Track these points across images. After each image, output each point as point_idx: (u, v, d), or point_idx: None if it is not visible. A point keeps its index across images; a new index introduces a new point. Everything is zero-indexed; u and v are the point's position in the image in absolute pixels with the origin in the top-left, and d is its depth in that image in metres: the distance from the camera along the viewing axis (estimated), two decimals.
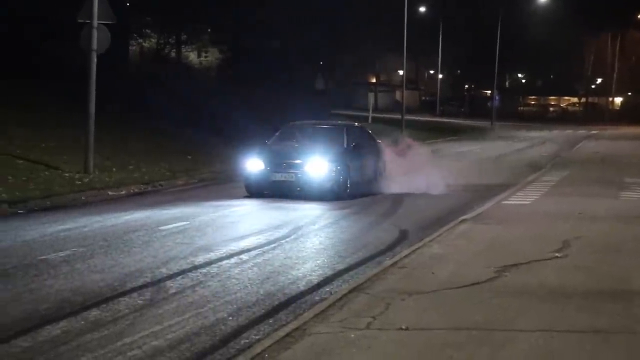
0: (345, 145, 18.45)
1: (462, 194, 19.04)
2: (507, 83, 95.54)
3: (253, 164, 17.49)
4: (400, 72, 58.36)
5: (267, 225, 13.87)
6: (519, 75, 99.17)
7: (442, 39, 73.64)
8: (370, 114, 48.60)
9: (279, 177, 17.27)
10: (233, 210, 15.66)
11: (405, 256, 10.88)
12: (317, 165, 17.28)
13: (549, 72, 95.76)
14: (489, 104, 72.60)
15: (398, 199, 17.68)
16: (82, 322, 7.54)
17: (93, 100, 19.10)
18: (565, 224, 13.91)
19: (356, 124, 22.98)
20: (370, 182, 18.89)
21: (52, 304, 8.08)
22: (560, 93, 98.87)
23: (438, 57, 75.45)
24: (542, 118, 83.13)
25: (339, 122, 20.42)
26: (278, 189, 17.32)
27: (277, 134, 19.07)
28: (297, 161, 17.40)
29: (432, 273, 9.76)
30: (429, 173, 19.85)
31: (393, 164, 20.10)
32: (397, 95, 69.71)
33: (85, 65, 19.20)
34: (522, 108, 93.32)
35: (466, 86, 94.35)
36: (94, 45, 19.08)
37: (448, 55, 78.81)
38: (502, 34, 64.14)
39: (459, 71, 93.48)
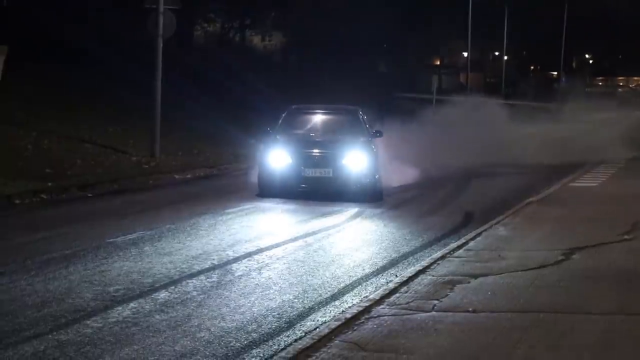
0: (368, 134, 15.93)
1: (526, 176, 18.82)
2: (573, 64, 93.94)
3: (277, 158, 14.89)
4: (465, 54, 57.76)
5: (330, 209, 13.85)
6: (586, 55, 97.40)
7: (507, 20, 72.69)
8: (434, 96, 48.28)
9: (311, 173, 14.79)
10: None
11: (471, 239, 10.80)
12: (357, 158, 14.92)
13: (617, 52, 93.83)
14: (555, 85, 71.56)
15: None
16: (151, 304, 7.64)
17: (159, 85, 19.32)
18: (633, 206, 13.66)
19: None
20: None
21: (121, 286, 8.21)
22: (629, 73, 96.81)
23: (503, 39, 74.54)
24: (610, 99, 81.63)
25: (346, 105, 17.32)
26: (311, 187, 14.86)
27: (281, 120, 16.29)
28: (335, 154, 14.92)
29: (499, 256, 9.67)
30: None
31: None
32: (462, 77, 69.10)
33: (151, 50, 19.40)
34: (589, 89, 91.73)
35: (532, 67, 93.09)
36: (160, 31, 19.27)
37: (514, 37, 77.79)
38: (570, 14, 62.99)
39: (524, 52, 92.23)
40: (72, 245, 10.15)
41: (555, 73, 75.01)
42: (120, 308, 7.45)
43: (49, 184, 14.60)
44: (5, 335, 6.54)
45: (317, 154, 14.98)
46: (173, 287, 8.28)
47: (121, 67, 23.55)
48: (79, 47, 24.17)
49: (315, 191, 14.76)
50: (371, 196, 14.74)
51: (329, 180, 14.77)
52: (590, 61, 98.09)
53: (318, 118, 16.59)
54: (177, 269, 9.07)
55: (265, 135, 15.62)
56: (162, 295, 7.98)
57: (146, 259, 9.53)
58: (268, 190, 14.81)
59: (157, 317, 7.24)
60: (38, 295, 7.75)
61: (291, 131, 15.84)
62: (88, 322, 7.00)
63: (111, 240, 10.54)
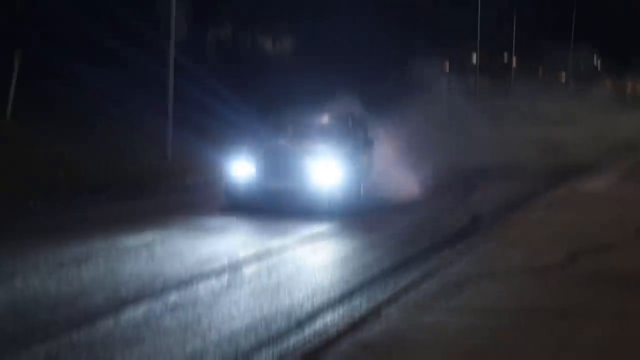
0: (353, 140, 14.45)
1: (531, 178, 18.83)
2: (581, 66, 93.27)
3: (240, 169, 13.61)
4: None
5: (340, 211, 13.53)
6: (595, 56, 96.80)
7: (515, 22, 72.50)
8: (445, 99, 48.18)
9: (275, 185, 13.36)
10: None
11: (479, 239, 10.81)
12: (329, 168, 13.38)
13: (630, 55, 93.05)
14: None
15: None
16: (162, 305, 7.67)
17: (171, 88, 19.40)
18: None
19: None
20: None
21: (132, 288, 8.24)
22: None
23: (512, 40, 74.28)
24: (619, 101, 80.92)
25: (340, 106, 15.89)
26: (273, 200, 13.38)
27: (265, 125, 15.34)
28: (299, 162, 13.43)
29: (506, 257, 9.67)
30: None
31: None
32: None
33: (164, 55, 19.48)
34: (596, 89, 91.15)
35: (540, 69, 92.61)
36: (172, 35, 19.34)
37: (523, 39, 77.39)
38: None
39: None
40: (85, 247, 10.19)
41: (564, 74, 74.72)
42: (131, 309, 7.49)
43: (62, 186, 14.66)
44: (18, 336, 6.59)
45: (282, 163, 13.46)
46: (184, 289, 8.32)
47: (134, 70, 23.64)
48: (92, 49, 24.27)
49: (280, 205, 13.25)
50: (346, 210, 13.26)
51: (294, 192, 13.25)
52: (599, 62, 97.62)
53: (300, 123, 15.02)
54: (188, 270, 9.11)
55: (249, 142, 14.39)
56: (173, 297, 8.01)
57: (157, 261, 9.57)
58: (232, 200, 13.63)
59: (168, 318, 7.28)
60: (51, 297, 7.80)
61: (266, 138, 14.50)
62: (100, 323, 7.05)
63: (123, 242, 10.58)
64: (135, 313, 7.38)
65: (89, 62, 24.24)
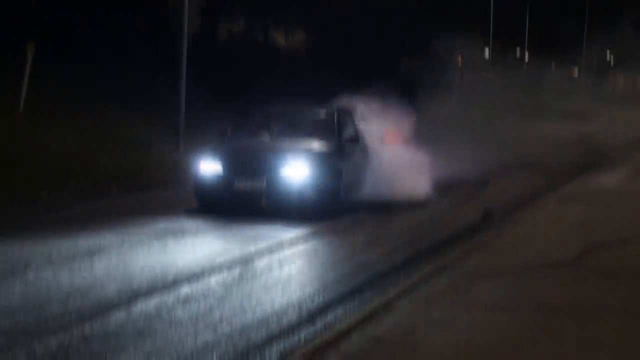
0: (337, 138, 13.52)
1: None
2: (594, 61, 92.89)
3: (207, 167, 12.59)
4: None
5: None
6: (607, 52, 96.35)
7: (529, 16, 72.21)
8: (456, 94, 48.13)
9: (242, 185, 12.37)
10: None
11: (491, 235, 10.79)
12: (298, 167, 12.39)
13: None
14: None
15: None
16: (174, 298, 7.69)
17: (184, 81, 19.43)
18: None
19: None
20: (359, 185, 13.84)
21: (144, 280, 8.26)
22: None
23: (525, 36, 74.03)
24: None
25: (327, 104, 14.71)
26: (241, 202, 12.48)
27: (241, 121, 14.69)
28: (270, 162, 12.44)
29: (517, 252, 9.65)
30: None
31: None
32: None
33: (175, 48, 19.51)
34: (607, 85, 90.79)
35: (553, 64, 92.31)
36: (185, 28, 19.36)
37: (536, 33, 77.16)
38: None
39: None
40: (97, 239, 10.23)
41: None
42: (143, 301, 7.50)
43: (74, 179, 14.71)
44: (31, 328, 6.61)
45: (250, 161, 12.55)
46: (195, 281, 8.33)
47: (146, 63, 23.68)
48: (105, 41, 24.32)
49: (248, 206, 12.43)
50: (318, 214, 12.24)
51: (262, 193, 12.32)
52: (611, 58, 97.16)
53: (280, 120, 14.14)
54: (199, 263, 9.12)
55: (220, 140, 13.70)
56: (185, 289, 8.02)
57: (169, 254, 9.59)
58: (200, 200, 12.68)
59: (180, 310, 7.29)
60: (63, 289, 7.83)
61: (241, 135, 13.77)
62: (112, 315, 7.07)
63: (134, 235, 10.61)
64: (147, 305, 7.39)
65: (102, 55, 24.31)
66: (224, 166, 12.42)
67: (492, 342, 6.31)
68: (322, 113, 14.26)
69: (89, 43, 24.25)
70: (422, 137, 16.62)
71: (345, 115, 14.24)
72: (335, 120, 13.80)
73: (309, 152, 12.63)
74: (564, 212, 12.97)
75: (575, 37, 67.64)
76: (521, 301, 7.53)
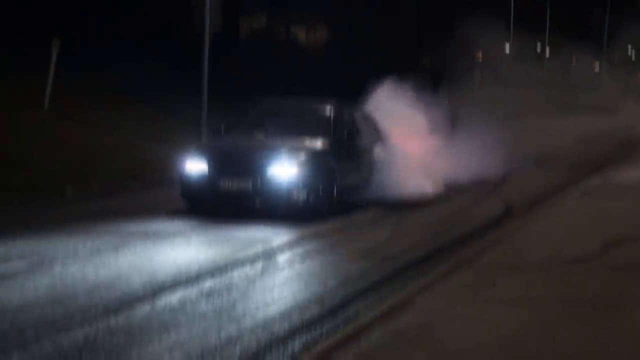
0: (333, 134, 12.77)
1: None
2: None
3: (192, 166, 11.95)
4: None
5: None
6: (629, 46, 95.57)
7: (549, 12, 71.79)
8: (475, 90, 48.02)
9: (228, 185, 11.70)
10: None
11: (512, 230, 10.77)
12: (285, 166, 11.68)
13: None
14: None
15: None
16: (198, 291, 7.73)
17: (206, 77, 19.44)
18: None
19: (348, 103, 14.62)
20: (367, 184, 13.46)
21: (168, 274, 8.31)
22: None
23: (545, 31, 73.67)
24: None
25: (328, 100, 13.71)
26: (227, 203, 11.90)
27: (241, 116, 14.12)
28: (257, 161, 11.77)
29: (540, 246, 9.63)
30: None
31: None
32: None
33: (198, 45, 19.54)
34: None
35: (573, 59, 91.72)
36: (207, 26, 19.39)
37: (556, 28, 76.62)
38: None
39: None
40: (121, 234, 10.31)
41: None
42: (167, 295, 7.55)
43: (98, 174, 14.82)
44: (58, 320, 6.68)
45: (236, 160, 11.96)
46: (219, 275, 8.38)
47: (171, 58, 23.79)
48: (128, 38, 24.43)
49: (235, 207, 11.83)
50: (306, 216, 11.56)
51: (248, 194, 11.62)
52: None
53: (276, 116, 13.53)
54: (223, 257, 9.17)
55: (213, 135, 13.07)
56: (208, 283, 8.07)
57: (192, 248, 9.65)
58: (187, 200, 12.13)
59: (203, 304, 7.34)
60: (89, 282, 7.89)
61: (235, 132, 13.14)
62: (137, 308, 7.12)
63: (159, 229, 10.68)
64: (171, 299, 7.44)
65: (125, 52, 24.42)
66: (209, 165, 11.80)
67: (514, 335, 6.31)
68: (317, 109, 13.53)
69: (112, 40, 24.38)
70: (454, 129, 16.57)
71: (343, 111, 13.52)
72: (331, 117, 13.08)
73: (297, 150, 11.93)
74: (587, 206, 12.92)
75: (596, 32, 67.18)
76: (544, 295, 7.52)
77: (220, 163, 11.86)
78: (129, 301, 7.27)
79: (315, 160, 11.95)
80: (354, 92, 16.37)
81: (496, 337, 6.28)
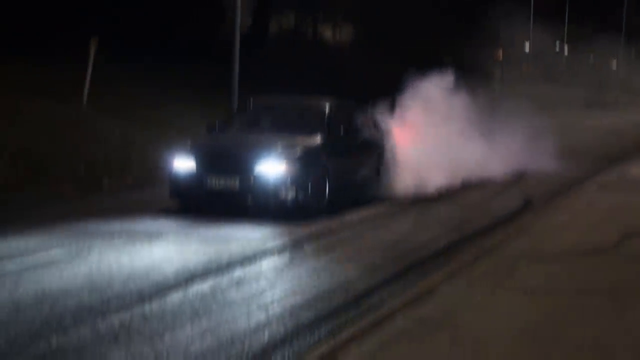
0: (327, 132, 12.12)
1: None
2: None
3: (181, 164, 11.37)
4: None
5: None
6: None
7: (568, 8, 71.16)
8: (498, 86, 47.79)
9: (215, 183, 11.11)
10: None
11: (531, 222, 10.69)
12: (274, 165, 11.05)
13: None
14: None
15: None
16: (228, 280, 7.74)
17: (236, 77, 19.47)
18: None
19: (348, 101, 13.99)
20: (368, 182, 13.10)
21: (200, 263, 8.34)
22: None
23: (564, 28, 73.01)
24: None
25: (325, 98, 13.19)
26: (215, 201, 11.29)
27: (238, 115, 13.77)
28: (244, 159, 11.15)
29: (559, 238, 9.55)
30: None
31: None
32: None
33: (229, 44, 19.57)
34: None
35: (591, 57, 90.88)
36: (237, 26, 19.42)
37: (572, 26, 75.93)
38: None
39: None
40: (155, 225, 10.35)
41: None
42: (199, 283, 7.57)
43: (134, 167, 14.90)
44: (95, 307, 6.72)
45: (224, 158, 11.35)
46: (248, 264, 8.39)
47: (200, 58, 23.85)
48: (163, 38, 24.53)
49: (223, 206, 11.21)
50: (294, 217, 10.91)
51: (235, 192, 11.01)
52: None
53: (272, 113, 12.91)
54: (252, 246, 9.18)
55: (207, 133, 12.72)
56: (237, 272, 8.08)
57: (222, 238, 9.66)
58: (176, 198, 11.60)
59: (233, 292, 7.35)
60: (124, 271, 7.93)
61: (230, 129, 12.70)
62: (170, 295, 7.14)
63: (190, 221, 10.70)
64: (202, 286, 7.46)
65: (160, 50, 24.53)
66: (197, 163, 11.23)
67: (533, 323, 6.26)
68: (314, 106, 12.86)
69: (148, 39, 24.48)
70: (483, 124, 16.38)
71: (341, 109, 12.89)
72: (327, 114, 12.44)
73: (287, 148, 11.27)
74: (604, 198, 12.81)
75: (612, 31, 66.45)
76: (563, 285, 7.46)
77: (208, 161, 11.29)
78: (162, 289, 7.32)
79: (307, 158, 11.30)
80: (385, 88, 16.13)
81: (516, 324, 6.24)
